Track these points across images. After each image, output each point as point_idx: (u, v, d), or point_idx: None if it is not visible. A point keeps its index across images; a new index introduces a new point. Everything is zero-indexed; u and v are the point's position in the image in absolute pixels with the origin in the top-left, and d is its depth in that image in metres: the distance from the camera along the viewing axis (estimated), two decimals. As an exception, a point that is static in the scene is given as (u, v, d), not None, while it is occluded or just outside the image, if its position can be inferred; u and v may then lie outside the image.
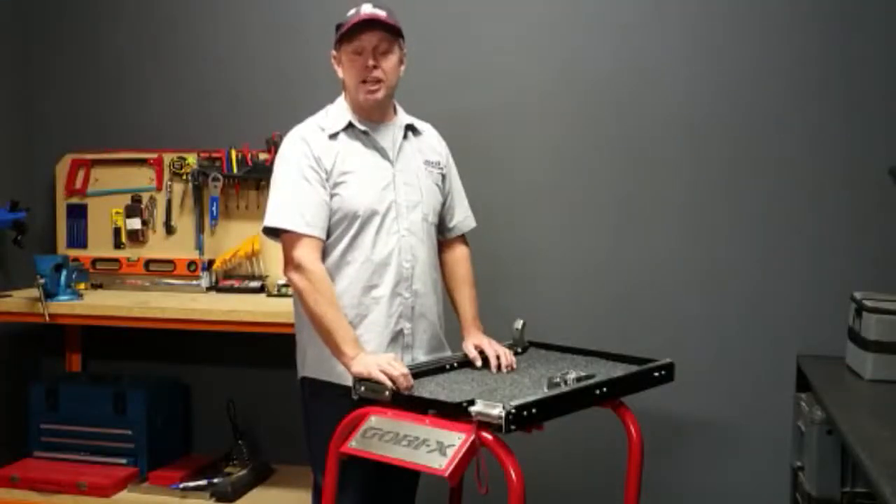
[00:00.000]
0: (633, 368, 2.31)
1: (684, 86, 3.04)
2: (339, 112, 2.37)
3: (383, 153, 2.36)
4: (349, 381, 2.16)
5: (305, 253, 2.24)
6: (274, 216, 2.28)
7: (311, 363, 2.36)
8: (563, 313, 3.10)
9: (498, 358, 2.35)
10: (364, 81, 2.29)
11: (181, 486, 3.12)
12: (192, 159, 3.35)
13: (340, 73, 2.36)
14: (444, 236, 2.54)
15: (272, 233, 2.32)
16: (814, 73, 2.94)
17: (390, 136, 2.39)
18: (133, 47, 3.50)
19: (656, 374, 2.31)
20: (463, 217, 2.58)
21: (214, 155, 3.32)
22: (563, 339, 2.60)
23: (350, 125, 2.34)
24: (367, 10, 2.29)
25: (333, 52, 2.36)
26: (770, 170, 2.99)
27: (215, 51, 3.42)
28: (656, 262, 3.08)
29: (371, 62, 2.28)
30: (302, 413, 2.43)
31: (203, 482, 3.14)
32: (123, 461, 3.25)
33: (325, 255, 2.30)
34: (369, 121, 2.36)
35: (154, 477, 3.18)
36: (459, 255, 2.56)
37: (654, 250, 3.08)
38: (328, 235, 2.30)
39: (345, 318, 2.23)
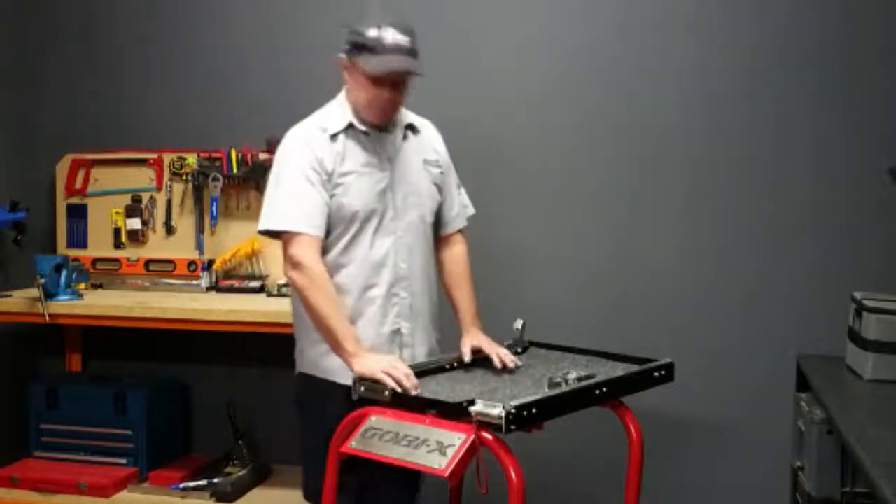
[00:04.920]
0: (634, 368, 2.32)
1: (684, 87, 3.03)
2: (339, 111, 2.34)
3: (383, 154, 2.35)
4: (346, 380, 2.16)
5: (304, 251, 2.23)
6: (272, 217, 2.27)
7: (309, 360, 2.37)
8: (563, 313, 3.10)
9: (500, 358, 2.35)
10: (378, 107, 2.29)
11: (181, 486, 3.13)
12: (192, 159, 3.35)
13: (348, 78, 2.31)
14: (442, 231, 2.54)
15: (269, 234, 2.32)
16: (814, 72, 2.94)
17: (390, 136, 2.38)
18: (132, 48, 3.50)
19: (656, 374, 2.31)
20: (460, 209, 2.58)
21: (214, 155, 3.32)
22: (563, 339, 2.60)
23: (350, 125, 2.33)
24: (399, 45, 2.20)
25: (343, 56, 2.28)
26: (770, 170, 2.99)
27: (215, 51, 3.42)
28: (657, 262, 3.08)
29: (391, 96, 2.27)
30: (297, 409, 2.43)
31: (203, 482, 3.14)
32: (123, 461, 3.25)
33: (323, 253, 2.30)
34: (370, 123, 2.35)
35: (154, 477, 3.18)
36: (457, 254, 2.55)
37: (655, 250, 3.08)
38: (327, 234, 2.30)
39: (345, 316, 2.24)
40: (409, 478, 2.33)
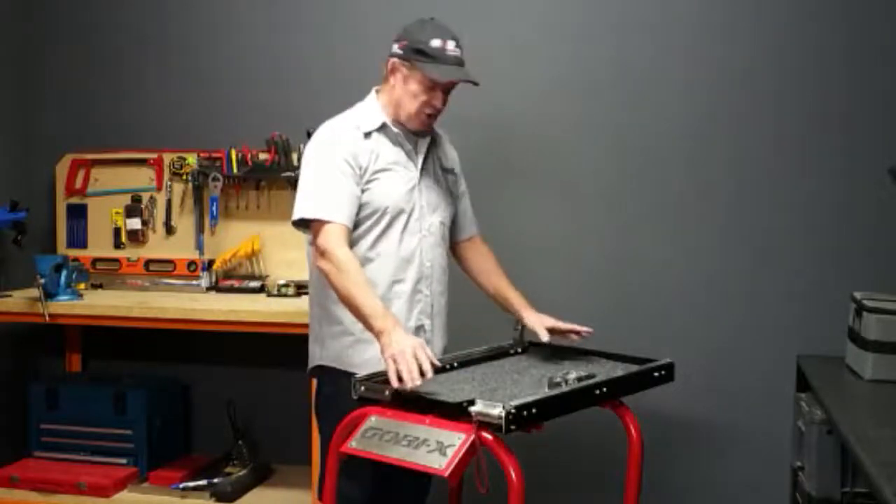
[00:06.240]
0: (634, 368, 2.32)
1: (684, 87, 3.04)
2: (372, 111, 2.39)
3: (411, 156, 2.41)
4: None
5: (330, 239, 2.24)
6: (303, 208, 2.29)
7: (331, 353, 2.37)
8: (563, 313, 3.08)
9: (577, 330, 2.47)
10: (425, 113, 2.36)
11: (181, 486, 3.13)
12: (192, 159, 3.35)
13: (398, 84, 2.35)
14: (461, 236, 2.61)
15: (303, 224, 2.33)
16: (814, 72, 2.94)
17: (419, 140, 2.43)
18: (133, 48, 3.50)
19: (656, 374, 2.31)
20: (473, 218, 2.65)
21: (214, 155, 3.32)
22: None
23: (384, 125, 2.38)
24: (457, 57, 2.34)
25: (397, 62, 2.33)
26: (770, 170, 2.99)
27: (215, 51, 3.42)
28: (656, 261, 3.08)
29: (441, 103, 2.36)
30: (316, 404, 2.44)
31: (203, 482, 3.14)
32: (123, 461, 3.25)
33: (351, 247, 2.31)
34: (403, 125, 2.40)
35: (154, 477, 3.19)
36: (486, 251, 2.63)
37: (655, 250, 3.08)
38: (355, 228, 2.32)
39: (372, 293, 2.21)
40: (417, 478, 2.33)
